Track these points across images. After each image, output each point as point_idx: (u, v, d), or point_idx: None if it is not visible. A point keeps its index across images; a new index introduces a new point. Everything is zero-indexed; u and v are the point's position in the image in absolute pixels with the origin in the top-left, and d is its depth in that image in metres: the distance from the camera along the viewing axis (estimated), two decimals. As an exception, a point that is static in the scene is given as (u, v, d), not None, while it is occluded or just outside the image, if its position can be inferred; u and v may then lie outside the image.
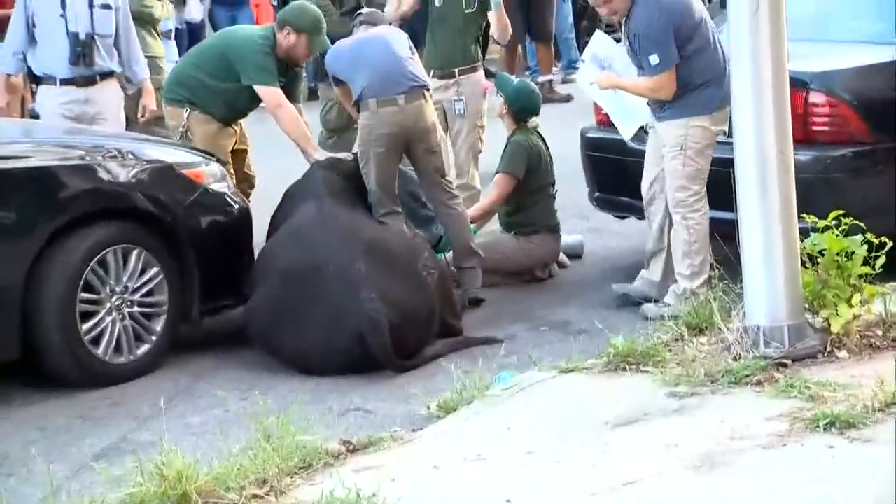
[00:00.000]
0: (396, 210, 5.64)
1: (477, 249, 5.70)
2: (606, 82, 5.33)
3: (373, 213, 5.57)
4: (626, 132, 5.52)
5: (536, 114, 6.16)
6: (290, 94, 5.86)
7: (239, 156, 6.01)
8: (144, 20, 7.29)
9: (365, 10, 6.36)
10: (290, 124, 5.76)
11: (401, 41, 5.67)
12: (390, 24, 6.17)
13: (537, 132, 6.17)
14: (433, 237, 5.79)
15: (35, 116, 6.60)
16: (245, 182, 5.99)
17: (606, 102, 5.55)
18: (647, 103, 5.25)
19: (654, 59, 5.02)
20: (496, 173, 6.06)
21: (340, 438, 3.73)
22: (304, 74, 6.29)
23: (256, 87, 5.71)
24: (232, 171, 5.76)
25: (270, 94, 5.72)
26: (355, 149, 5.81)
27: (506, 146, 6.08)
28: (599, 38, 5.56)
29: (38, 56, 6.12)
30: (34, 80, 6.26)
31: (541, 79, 10.24)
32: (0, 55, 6.27)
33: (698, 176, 5.14)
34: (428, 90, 5.62)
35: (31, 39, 6.10)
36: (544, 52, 10.60)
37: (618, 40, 5.41)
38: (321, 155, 5.79)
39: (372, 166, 5.56)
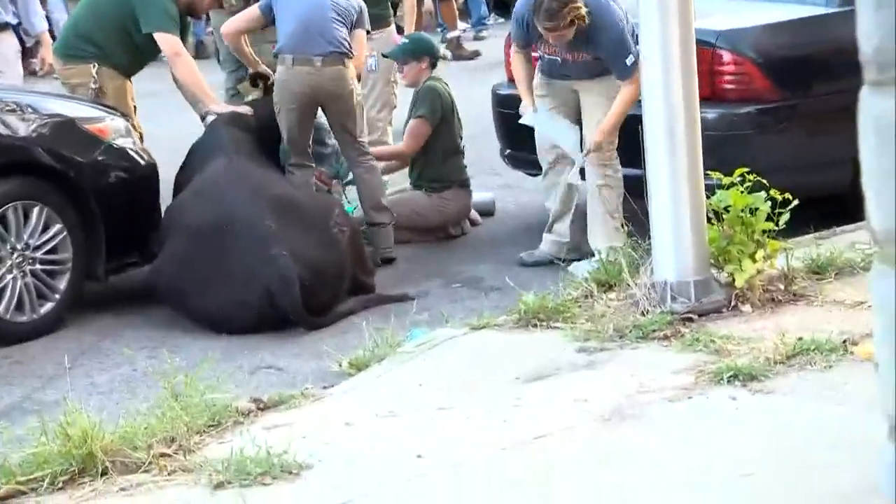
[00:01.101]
0: (307, 164, 5.61)
1: (388, 207, 5.68)
2: (606, 135, 5.18)
3: (282, 160, 5.53)
4: (572, 145, 5.37)
5: (436, 48, 6.17)
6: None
7: None
8: None
9: None
10: (187, 73, 5.69)
11: (346, 4, 5.55)
12: None
13: (444, 83, 6.14)
14: (332, 171, 5.80)
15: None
16: None
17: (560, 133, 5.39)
18: (573, 64, 5.24)
19: (629, 60, 5.08)
20: (410, 119, 5.98)
21: (251, 396, 3.70)
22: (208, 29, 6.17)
23: (156, 34, 5.60)
24: (138, 125, 5.65)
25: (170, 41, 5.63)
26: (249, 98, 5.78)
27: (417, 93, 6.01)
28: (560, 134, 5.34)
29: (-71, 10, 5.94)
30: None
31: (449, 35, 10.33)
32: None
33: None
34: (349, 57, 5.55)
35: (-78, -7, 5.92)
36: (447, 9, 10.65)
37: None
38: (220, 108, 5.70)
39: (283, 119, 5.56)
